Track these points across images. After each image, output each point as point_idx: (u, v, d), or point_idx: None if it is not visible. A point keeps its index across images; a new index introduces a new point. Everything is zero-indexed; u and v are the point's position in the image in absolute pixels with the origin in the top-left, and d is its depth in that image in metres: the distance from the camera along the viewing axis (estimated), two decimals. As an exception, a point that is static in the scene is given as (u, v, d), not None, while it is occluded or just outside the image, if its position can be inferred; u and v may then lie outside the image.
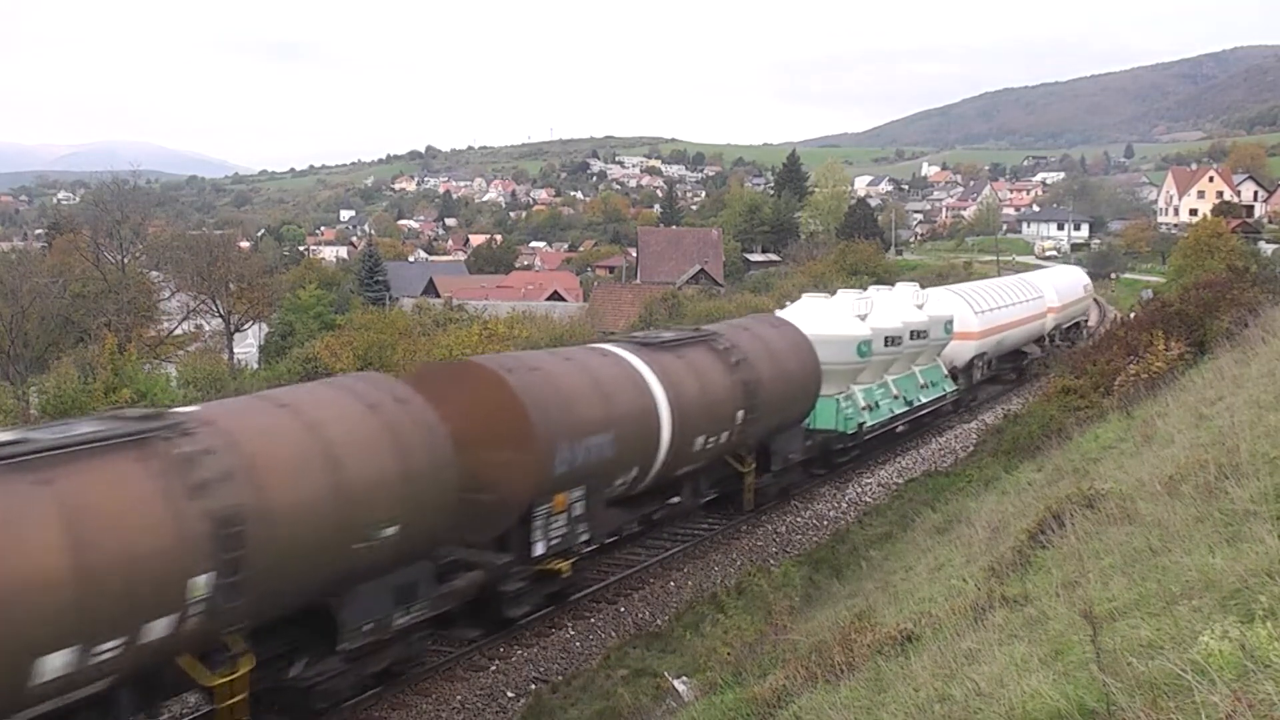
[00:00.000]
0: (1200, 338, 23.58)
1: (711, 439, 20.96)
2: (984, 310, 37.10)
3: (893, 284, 38.53)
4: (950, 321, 33.99)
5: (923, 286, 36.93)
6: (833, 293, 33.22)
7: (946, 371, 34.60)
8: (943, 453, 29.98)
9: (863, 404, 28.42)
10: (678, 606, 18.65)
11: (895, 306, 31.09)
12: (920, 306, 32.13)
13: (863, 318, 28.17)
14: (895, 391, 30.62)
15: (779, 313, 30.18)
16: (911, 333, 30.80)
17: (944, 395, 33.56)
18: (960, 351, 35.42)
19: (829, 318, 28.00)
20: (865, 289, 33.79)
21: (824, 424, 26.89)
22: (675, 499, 21.64)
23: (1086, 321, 54.18)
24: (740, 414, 21.69)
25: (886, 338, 28.99)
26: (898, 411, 30.20)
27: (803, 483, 26.42)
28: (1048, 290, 46.22)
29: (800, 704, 8.98)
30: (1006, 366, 41.43)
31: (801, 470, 26.15)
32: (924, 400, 31.98)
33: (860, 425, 27.90)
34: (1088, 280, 56.57)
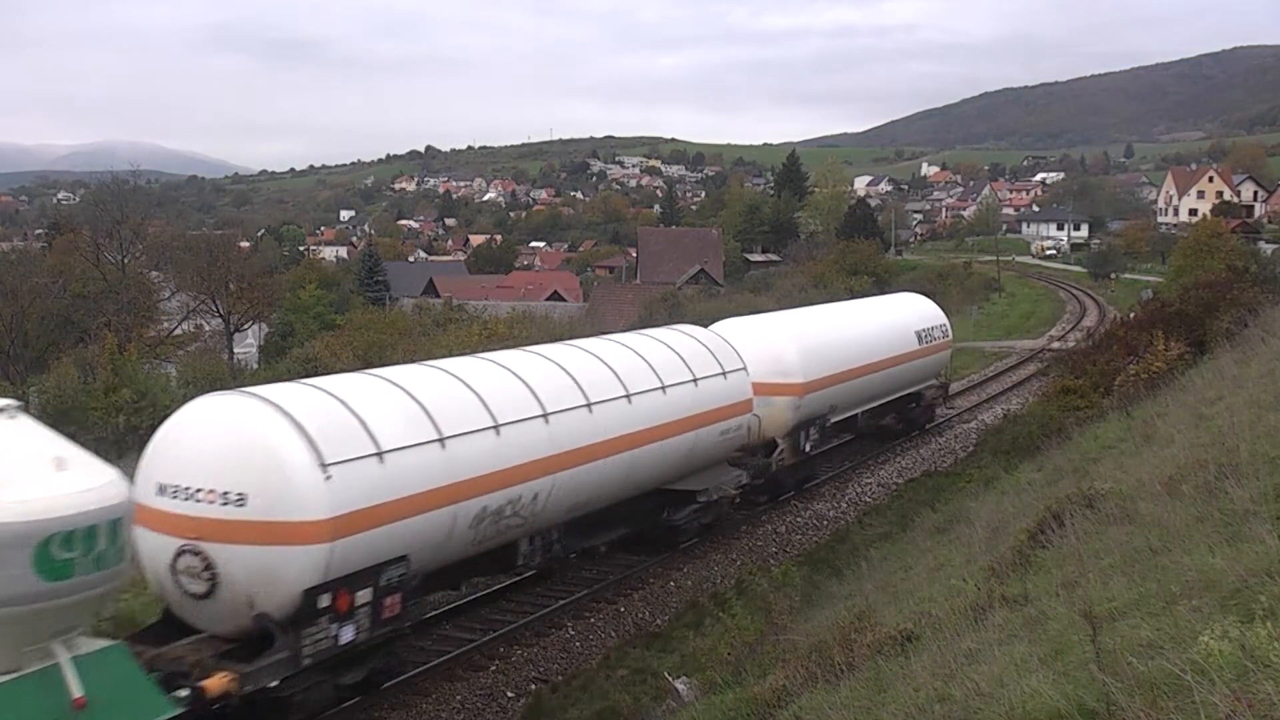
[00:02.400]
0: (1200, 338, 23.61)
1: None
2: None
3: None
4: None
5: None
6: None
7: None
8: (943, 453, 29.97)
9: None
10: (678, 606, 18.64)
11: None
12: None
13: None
14: None
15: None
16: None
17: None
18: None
19: None
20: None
21: None
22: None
23: (940, 394, 33.73)
24: None
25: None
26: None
27: None
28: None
29: (800, 704, 8.99)
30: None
31: None
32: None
33: None
34: (940, 321, 33.51)
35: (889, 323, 30.69)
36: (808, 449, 25.19)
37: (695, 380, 20.54)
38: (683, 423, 20.04)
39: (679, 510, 20.86)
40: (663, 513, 20.64)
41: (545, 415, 16.80)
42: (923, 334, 31.52)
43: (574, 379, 18.01)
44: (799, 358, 24.32)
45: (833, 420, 26.31)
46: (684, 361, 20.64)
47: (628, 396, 18.67)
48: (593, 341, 20.97)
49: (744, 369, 22.14)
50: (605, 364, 19.06)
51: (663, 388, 19.63)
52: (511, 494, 15.88)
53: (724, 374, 21.47)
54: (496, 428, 15.77)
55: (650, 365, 19.82)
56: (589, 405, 17.73)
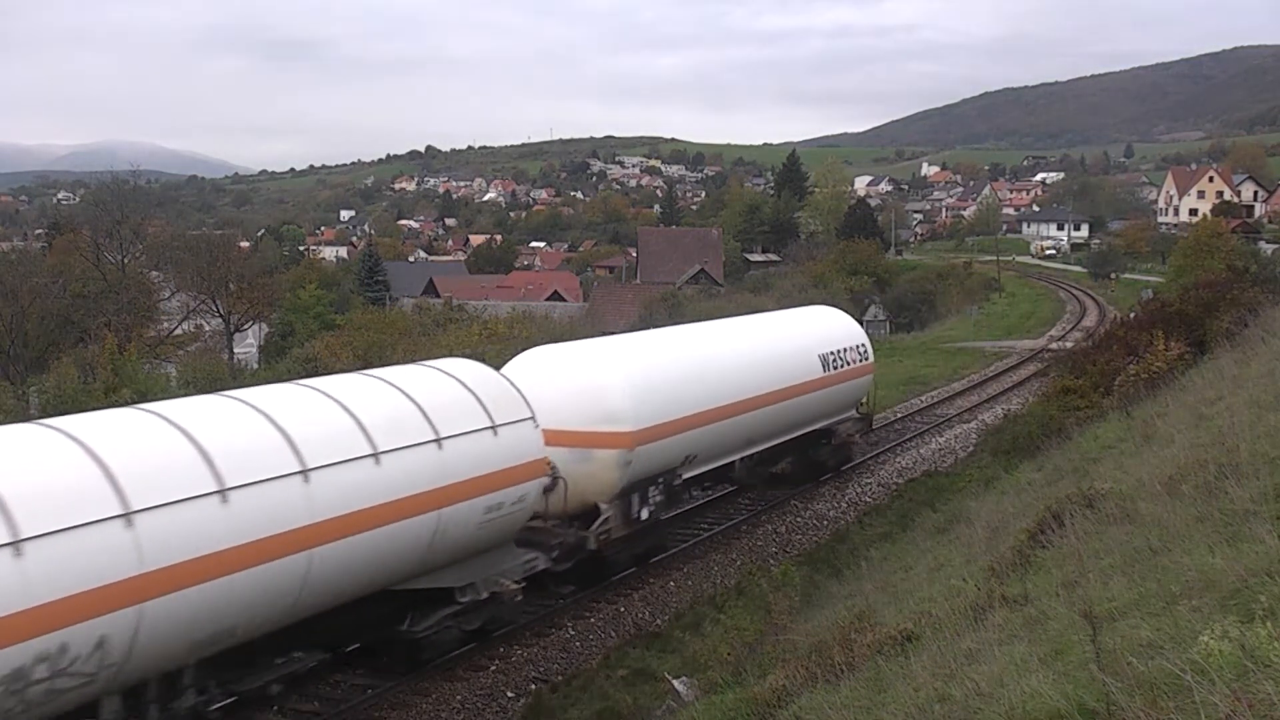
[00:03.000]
0: (1200, 338, 23.58)
1: None
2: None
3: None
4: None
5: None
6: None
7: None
8: (943, 453, 29.97)
9: None
10: (678, 606, 18.65)
11: None
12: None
13: None
14: None
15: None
16: None
17: None
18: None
19: None
20: None
21: None
22: None
23: (859, 429, 28.37)
24: None
25: None
26: None
27: None
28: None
29: (800, 704, 8.99)
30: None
31: None
32: None
33: None
34: (856, 340, 27.93)
35: (781, 346, 24.63)
36: (645, 515, 19.34)
37: (439, 440, 14.49)
38: (414, 501, 14.06)
39: (427, 616, 15.26)
40: (402, 620, 15.11)
41: (128, 514, 10.80)
42: (831, 358, 25.66)
43: (200, 449, 11.85)
44: (629, 399, 18.62)
45: (690, 474, 20.83)
46: (424, 415, 14.63)
47: (304, 473, 12.63)
48: (263, 392, 14.33)
49: (529, 419, 16.30)
50: (273, 424, 12.91)
51: (375, 455, 13.61)
52: (47, 645, 10.07)
53: (493, 428, 15.53)
54: (16, 544, 9.94)
55: (360, 424, 13.79)
56: (222, 492, 11.67)
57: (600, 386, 18.78)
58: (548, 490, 17.58)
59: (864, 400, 28.61)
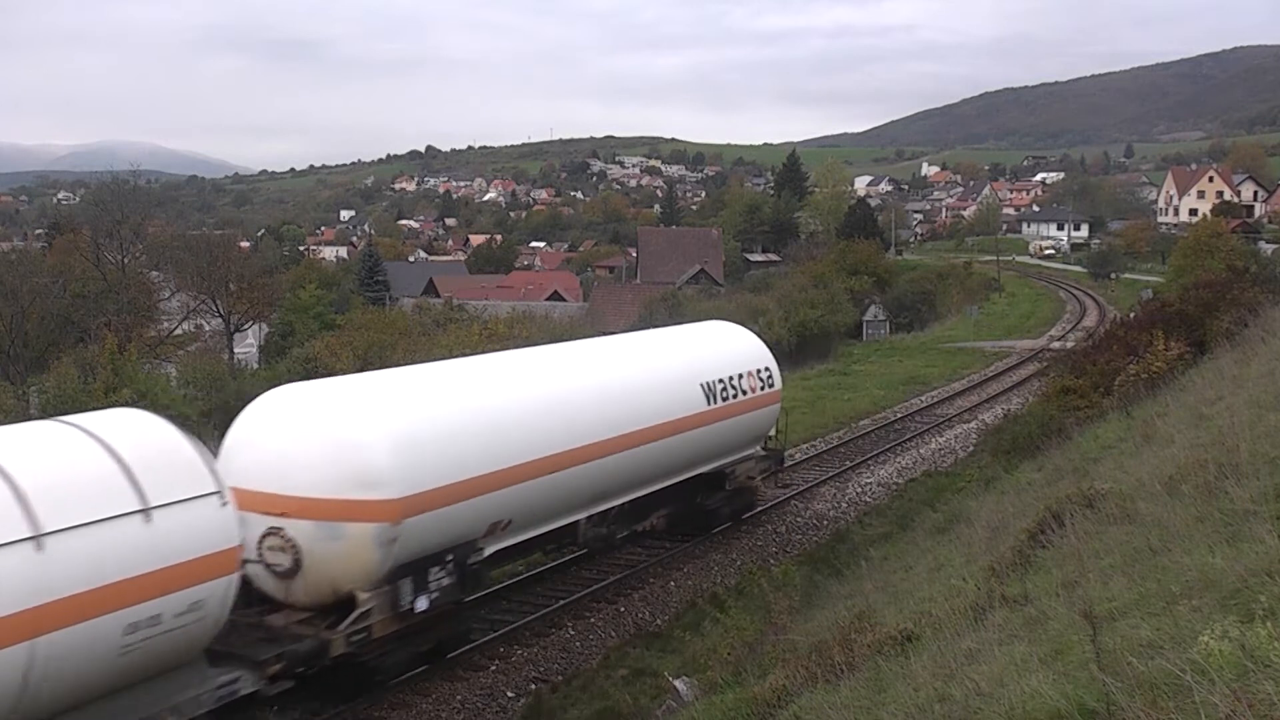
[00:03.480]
0: (1200, 338, 23.57)
1: None
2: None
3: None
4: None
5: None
6: None
7: None
8: (943, 453, 29.98)
9: None
10: (678, 606, 18.65)
11: None
12: None
13: None
14: None
15: None
16: None
17: None
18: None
19: None
20: None
21: None
22: None
23: (767, 468, 24.04)
24: None
25: None
26: None
27: None
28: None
29: (800, 704, 8.99)
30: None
31: None
32: None
33: None
34: (757, 363, 23.31)
35: (647, 376, 19.91)
36: (423, 605, 14.79)
37: (38, 537, 10.21)
38: None
39: None
40: None
41: None
42: (719, 387, 21.17)
43: None
44: (392, 456, 14.32)
45: (501, 546, 16.37)
46: (18, 500, 10.29)
47: None
48: None
49: (214, 494, 11.93)
50: None
51: None
52: None
53: (145, 511, 11.13)
54: None
55: None
56: None
57: (353, 442, 14.24)
58: (284, 576, 13.92)
59: (774, 433, 24.40)
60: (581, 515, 18.12)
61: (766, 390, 23.01)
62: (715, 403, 21.01)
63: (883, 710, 7.48)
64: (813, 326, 55.18)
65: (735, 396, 21.66)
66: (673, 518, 21.63)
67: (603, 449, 17.81)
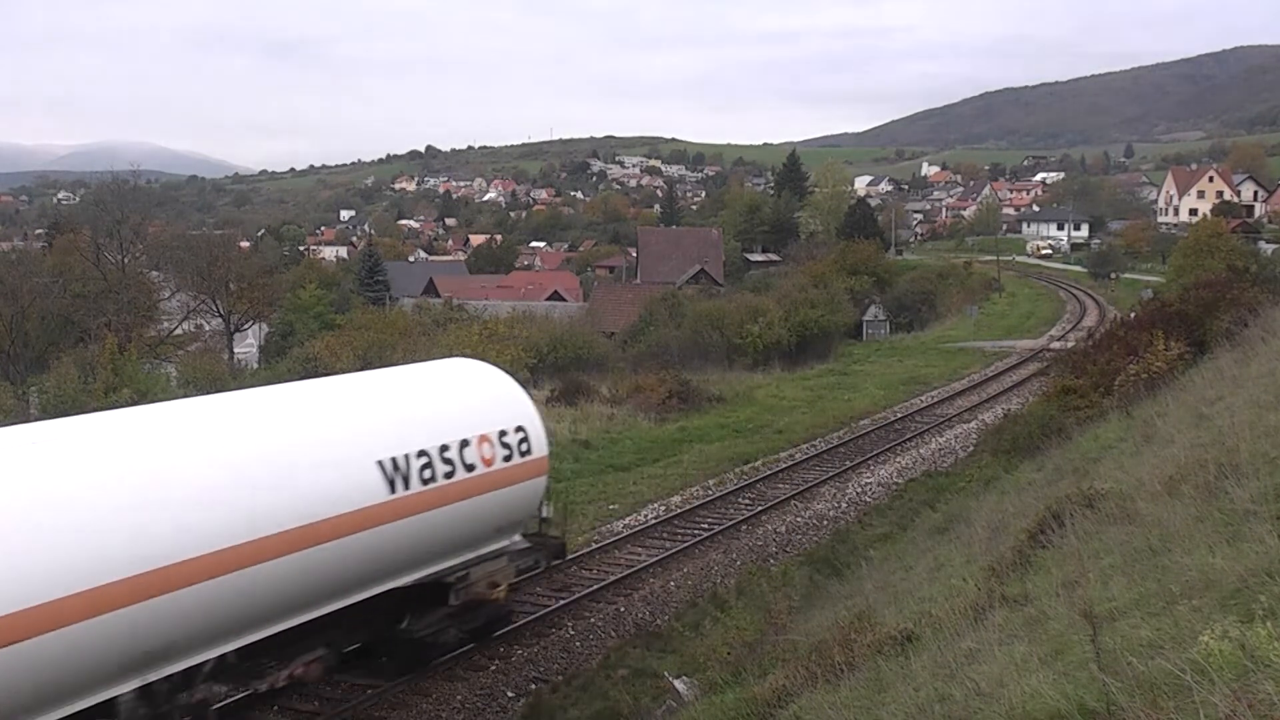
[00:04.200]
0: (1200, 338, 23.59)
1: None
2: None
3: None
4: None
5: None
6: None
7: None
8: (943, 453, 29.97)
9: None
10: (678, 606, 18.64)
11: None
12: None
13: None
14: None
15: None
16: None
17: None
18: None
19: None
20: None
21: None
22: None
23: (532, 564, 17.56)
24: None
25: None
26: None
27: None
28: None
29: (800, 704, 8.99)
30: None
31: None
32: None
33: None
34: (508, 421, 16.31)
35: (281, 452, 12.94)
36: None
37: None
38: None
39: None
40: None
41: None
42: (419, 463, 14.33)
43: None
44: None
45: None
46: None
47: None
48: None
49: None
50: None
51: None
52: None
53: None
54: None
55: None
56: None
57: None
58: None
59: (543, 515, 17.82)
60: (132, 685, 11.03)
61: (518, 460, 16.19)
62: (406, 488, 14.02)
63: (883, 710, 7.48)
64: (813, 326, 55.21)
65: (453, 474, 14.89)
66: (345, 655, 14.68)
67: (170, 578, 10.95)
